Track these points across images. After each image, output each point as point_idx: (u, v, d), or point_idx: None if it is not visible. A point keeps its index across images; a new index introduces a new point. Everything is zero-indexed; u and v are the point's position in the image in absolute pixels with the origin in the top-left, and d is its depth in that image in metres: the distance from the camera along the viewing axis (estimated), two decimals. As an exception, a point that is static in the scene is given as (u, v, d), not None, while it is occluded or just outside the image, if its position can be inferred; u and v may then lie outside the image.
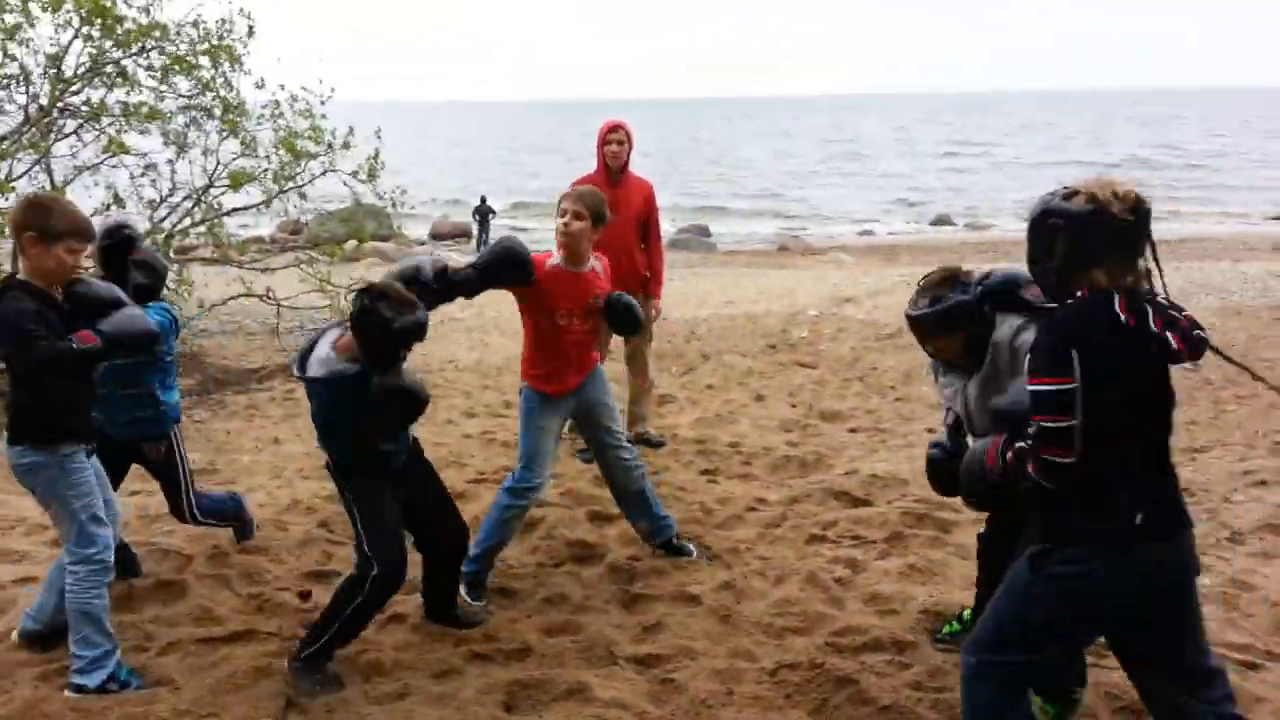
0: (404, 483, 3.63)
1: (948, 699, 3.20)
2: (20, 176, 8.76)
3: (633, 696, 3.32)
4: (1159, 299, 2.40)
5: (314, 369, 3.38)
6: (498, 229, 26.27)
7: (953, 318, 2.95)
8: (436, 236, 27.31)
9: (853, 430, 6.78)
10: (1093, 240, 2.37)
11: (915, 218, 31.90)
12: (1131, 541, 2.38)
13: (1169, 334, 2.32)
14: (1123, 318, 2.33)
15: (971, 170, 46.31)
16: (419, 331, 3.30)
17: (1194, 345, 2.35)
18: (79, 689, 3.32)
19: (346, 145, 9.94)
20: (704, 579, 4.34)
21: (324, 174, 10.11)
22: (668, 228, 16.62)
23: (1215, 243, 22.18)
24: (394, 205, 10.29)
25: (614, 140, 5.90)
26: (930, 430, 6.63)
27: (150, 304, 3.99)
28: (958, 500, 5.03)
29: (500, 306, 13.34)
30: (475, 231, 25.78)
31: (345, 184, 10.27)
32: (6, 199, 8.28)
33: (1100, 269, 2.38)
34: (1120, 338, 2.33)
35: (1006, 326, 2.92)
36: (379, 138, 10.03)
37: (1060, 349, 2.33)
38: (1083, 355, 2.31)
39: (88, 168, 9.29)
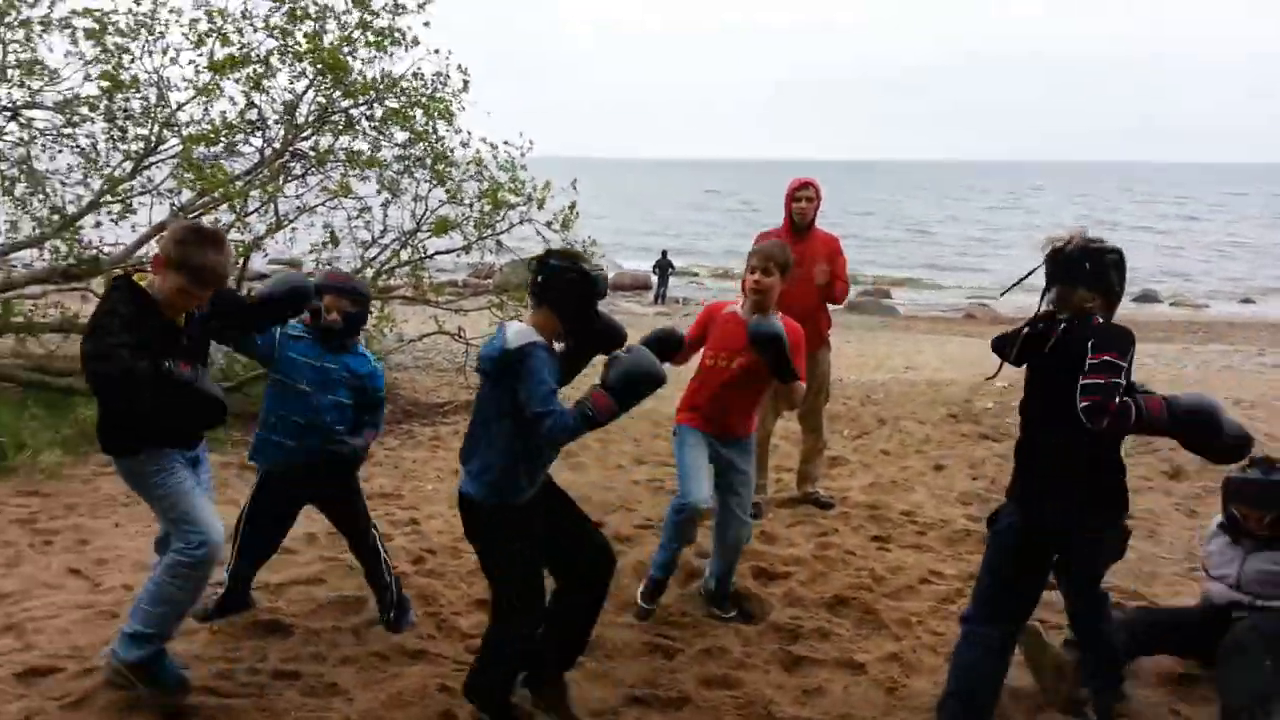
0: (539, 514, 3.42)
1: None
2: (251, 213, 9.57)
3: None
4: None
5: (515, 340, 3.20)
6: (676, 285, 26.69)
7: None
8: (617, 288, 27.95)
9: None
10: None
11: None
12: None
13: None
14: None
15: (1167, 247, 43.44)
16: (606, 280, 3.33)
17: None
18: (113, 653, 3.39)
19: (542, 204, 10.35)
20: (870, 648, 4.19)
21: (521, 223, 10.54)
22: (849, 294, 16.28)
23: None
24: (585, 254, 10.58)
25: (803, 197, 5.93)
26: (1130, 516, 6.19)
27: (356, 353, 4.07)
28: (1154, 589, 4.69)
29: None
30: (655, 284, 26.24)
31: (539, 233, 10.67)
32: (240, 232, 9.07)
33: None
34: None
35: None
36: (575, 189, 10.38)
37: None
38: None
39: (309, 209, 10.06)
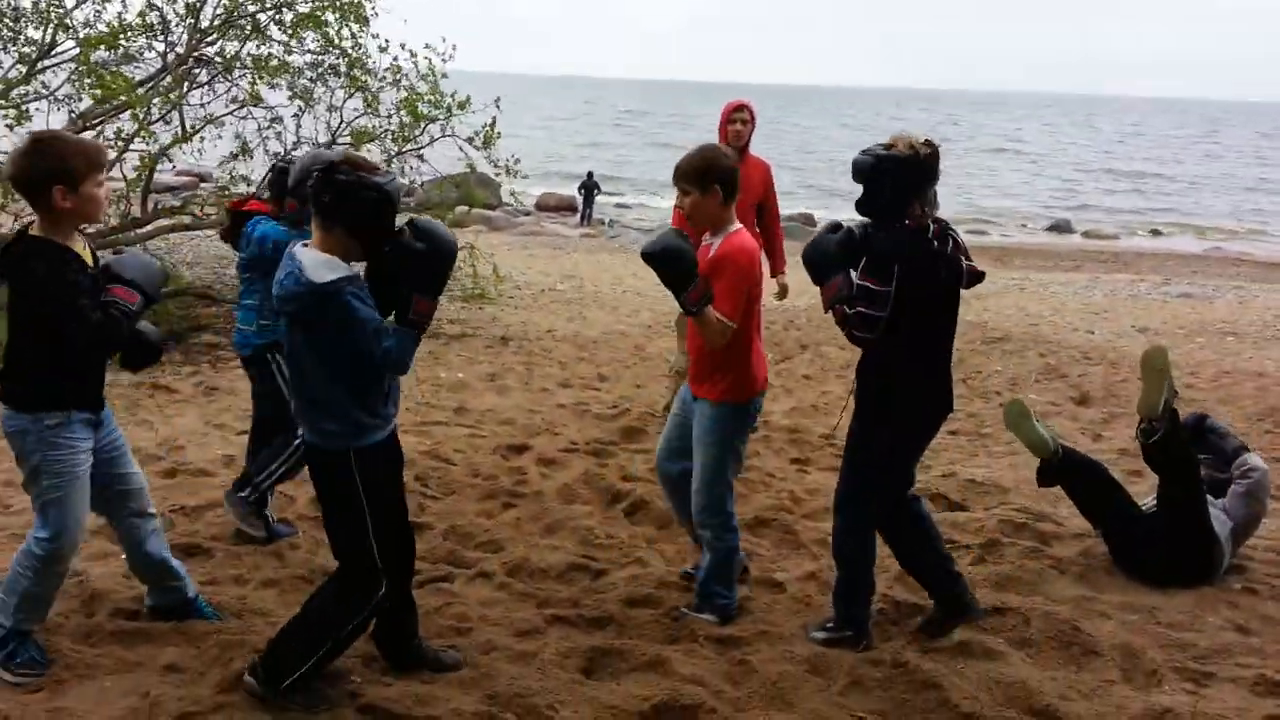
0: (398, 460, 3.12)
1: (1021, 700, 3.13)
2: (154, 122, 9.13)
3: (710, 674, 3.31)
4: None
5: (323, 274, 2.76)
6: (601, 205, 26.45)
7: None
8: (542, 208, 27.57)
9: (953, 433, 6.62)
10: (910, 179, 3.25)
11: (1027, 220, 30.84)
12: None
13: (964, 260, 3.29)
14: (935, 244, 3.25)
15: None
16: (401, 192, 3.02)
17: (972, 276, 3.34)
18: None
19: (462, 106, 10.05)
20: (790, 567, 4.31)
21: (442, 137, 10.26)
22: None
23: None
24: (508, 173, 10.38)
25: (738, 120, 5.84)
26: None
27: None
28: (1060, 512, 4.91)
29: (600, 280, 13.46)
30: (580, 206, 25.96)
31: (461, 149, 10.41)
32: (146, 141, 8.66)
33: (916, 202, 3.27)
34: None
35: None
36: (498, 107, 10.13)
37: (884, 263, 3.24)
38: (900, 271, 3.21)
39: (217, 118, 9.64)
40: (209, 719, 2.89)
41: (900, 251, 3.25)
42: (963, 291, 3.42)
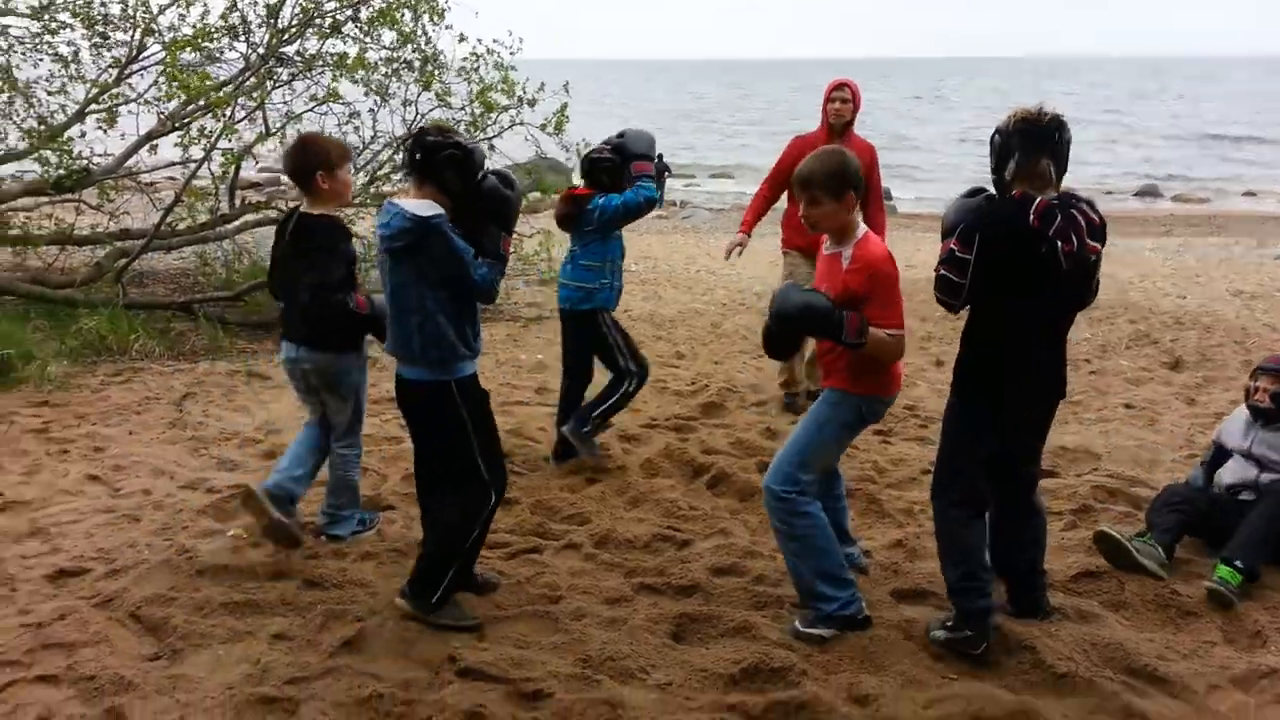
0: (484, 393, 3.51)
1: (1118, 660, 3.08)
2: (240, 121, 9.41)
3: (798, 639, 3.34)
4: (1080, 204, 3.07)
5: (425, 210, 3.18)
6: (674, 187, 26.38)
7: None
8: (614, 192, 27.54)
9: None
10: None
11: (1111, 188, 29.85)
12: None
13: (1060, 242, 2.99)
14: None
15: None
16: (484, 153, 3.33)
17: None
18: (334, 537, 4.10)
19: (533, 104, 10.15)
20: (875, 536, 4.30)
21: (512, 126, 10.36)
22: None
23: None
24: (579, 156, 10.44)
25: (838, 98, 5.75)
26: (1128, 406, 6.29)
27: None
28: (1155, 477, 4.80)
29: (673, 260, 13.45)
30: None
31: (528, 138, 10.51)
32: (229, 140, 8.93)
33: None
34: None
35: None
36: (567, 91, 10.19)
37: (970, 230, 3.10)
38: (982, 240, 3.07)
39: (298, 115, 9.89)
40: (316, 684, 3.02)
41: (985, 220, 3.11)
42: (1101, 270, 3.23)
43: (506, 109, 10.26)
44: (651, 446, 5.40)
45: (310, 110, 9.99)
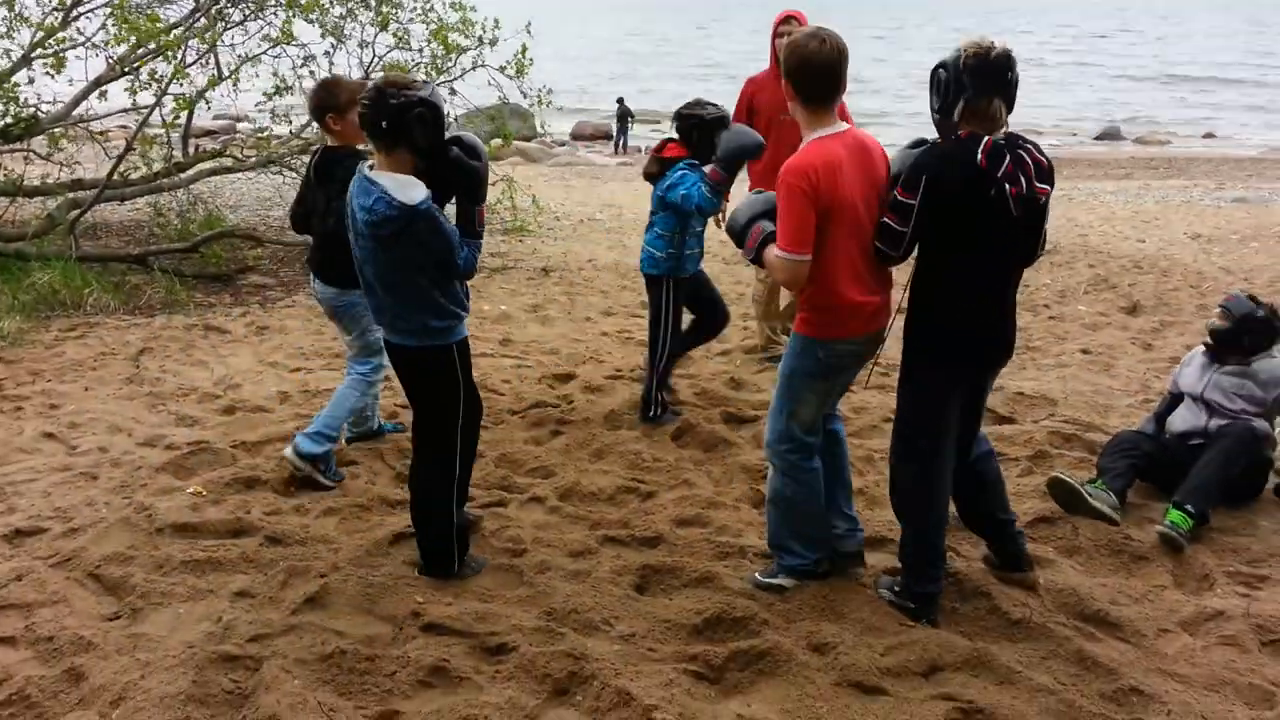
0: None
1: (1071, 605, 3.16)
2: (192, 64, 9.15)
3: (758, 589, 3.38)
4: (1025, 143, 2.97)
5: (412, 195, 3.07)
6: (638, 133, 26.13)
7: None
8: (578, 137, 27.31)
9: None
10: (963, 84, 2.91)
11: (1074, 130, 29.93)
12: None
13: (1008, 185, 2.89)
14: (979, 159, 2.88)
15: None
16: (441, 99, 3.19)
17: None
18: (300, 451, 4.16)
19: (494, 42, 9.94)
20: (837, 484, 4.35)
21: (474, 68, 10.15)
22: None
23: None
24: (540, 104, 10.29)
25: (785, 32, 5.50)
26: (1085, 351, 6.37)
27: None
28: (1110, 422, 4.89)
29: (639, 208, 13.36)
30: (615, 132, 25.67)
31: (491, 82, 10.31)
32: (181, 85, 8.69)
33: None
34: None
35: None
36: (529, 33, 9.99)
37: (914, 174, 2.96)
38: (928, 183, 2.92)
39: (252, 57, 9.63)
40: (278, 641, 3.02)
41: (930, 162, 2.97)
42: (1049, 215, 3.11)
43: (466, 50, 10.05)
44: (616, 397, 5.40)
45: (264, 53, 9.75)
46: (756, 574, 3.45)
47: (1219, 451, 3.95)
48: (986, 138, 2.92)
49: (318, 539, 3.71)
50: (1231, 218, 12.00)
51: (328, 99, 4.15)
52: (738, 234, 3.24)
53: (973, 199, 2.91)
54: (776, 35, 5.58)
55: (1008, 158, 2.91)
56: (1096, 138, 27.94)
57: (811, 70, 3.04)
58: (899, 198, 3.00)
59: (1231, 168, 20.16)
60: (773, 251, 3.08)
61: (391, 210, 3.05)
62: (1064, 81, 39.12)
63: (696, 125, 4.66)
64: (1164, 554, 3.64)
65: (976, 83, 2.92)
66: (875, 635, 3.11)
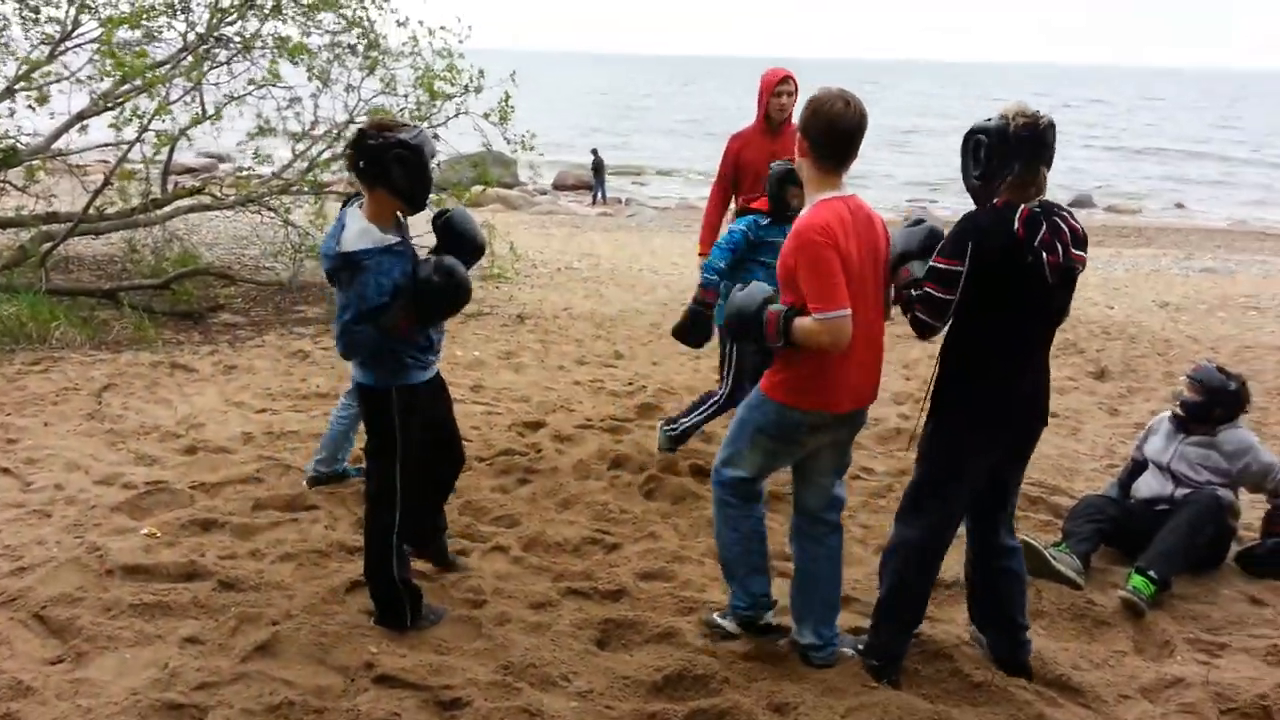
0: (440, 398, 3.49)
1: (1035, 669, 3.13)
2: (175, 101, 9.16)
3: (722, 645, 3.34)
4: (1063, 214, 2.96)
5: (354, 244, 3.07)
6: (618, 184, 26.36)
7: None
8: (559, 187, 27.49)
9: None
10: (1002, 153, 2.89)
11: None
12: None
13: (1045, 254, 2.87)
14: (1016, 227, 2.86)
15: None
16: (432, 142, 3.16)
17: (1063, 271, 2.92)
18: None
19: (479, 90, 10.03)
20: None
21: (458, 115, 10.23)
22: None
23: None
24: (524, 148, 10.36)
25: (784, 92, 5.48)
26: (1053, 415, 6.40)
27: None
28: (1075, 486, 4.90)
29: (617, 258, 13.44)
30: (594, 184, 25.91)
31: (477, 127, 10.39)
32: (164, 122, 8.69)
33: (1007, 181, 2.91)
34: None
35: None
36: (514, 81, 10.10)
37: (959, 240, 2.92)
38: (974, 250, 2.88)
39: (237, 97, 9.66)
40: (225, 690, 2.94)
41: (974, 228, 2.91)
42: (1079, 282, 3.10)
43: (451, 97, 10.14)
44: (585, 447, 5.37)
45: (249, 93, 9.79)
46: (714, 613, 3.48)
47: (1185, 520, 3.96)
48: (1023, 206, 2.89)
49: (272, 585, 3.63)
50: (1199, 287, 12.21)
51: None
52: (750, 327, 3.04)
53: (1010, 267, 2.88)
54: (772, 94, 5.57)
55: (1043, 225, 2.88)
56: (1069, 204, 28.45)
57: (836, 132, 2.95)
58: (942, 267, 2.92)
59: (1200, 238, 20.57)
60: (806, 322, 2.90)
61: (329, 251, 3.11)
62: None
63: (771, 179, 4.70)
64: (1125, 619, 3.63)
65: (1029, 151, 2.88)
66: (836, 696, 3.06)
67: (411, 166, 3.05)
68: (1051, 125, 2.91)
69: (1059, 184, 32.01)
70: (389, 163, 3.03)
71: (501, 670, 3.13)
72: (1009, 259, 2.87)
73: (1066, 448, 5.72)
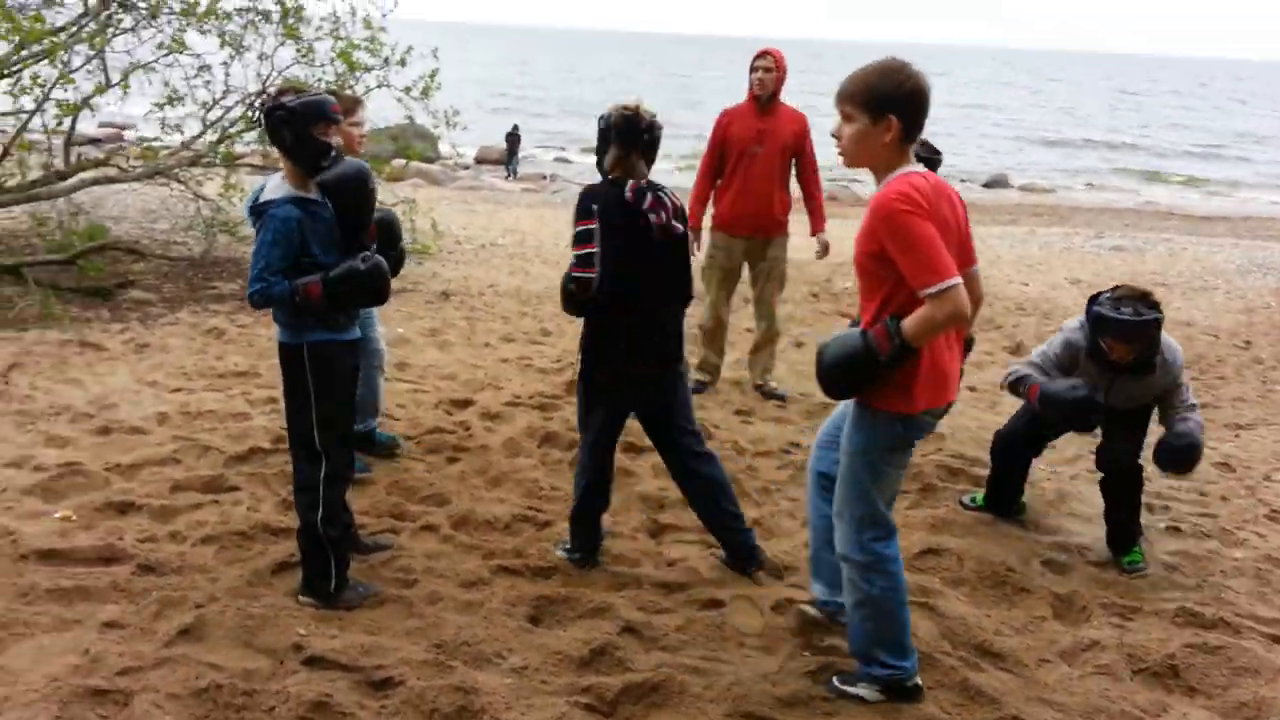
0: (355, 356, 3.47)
1: (958, 635, 3.23)
2: (77, 70, 8.77)
3: (657, 618, 3.36)
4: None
5: (268, 194, 3.21)
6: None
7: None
8: (483, 161, 27.16)
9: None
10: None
11: (965, 177, 31.15)
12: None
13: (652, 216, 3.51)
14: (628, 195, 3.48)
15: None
16: (325, 104, 3.16)
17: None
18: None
19: (403, 62, 9.83)
20: (733, 515, 4.37)
21: (379, 87, 10.01)
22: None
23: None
24: (447, 125, 10.19)
25: (760, 67, 5.58)
26: (971, 389, 6.59)
27: None
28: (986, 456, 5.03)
29: (542, 235, 13.33)
30: (505, 159, 25.70)
31: (399, 100, 10.18)
32: (66, 90, 8.32)
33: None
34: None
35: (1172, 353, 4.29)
36: (436, 57, 9.91)
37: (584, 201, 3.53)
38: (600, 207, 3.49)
39: (143, 65, 9.29)
40: (150, 674, 2.86)
41: (594, 194, 3.53)
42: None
43: (371, 69, 9.90)
44: (514, 425, 5.34)
45: (155, 61, 9.41)
46: (835, 680, 3.01)
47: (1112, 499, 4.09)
48: (631, 180, 3.53)
49: (194, 568, 3.54)
50: (1109, 264, 12.64)
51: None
52: (861, 363, 2.68)
53: (628, 224, 3.51)
54: (751, 70, 5.62)
55: (649, 196, 3.52)
56: (985, 185, 29.14)
57: (921, 100, 2.65)
58: (580, 227, 3.54)
59: (1110, 217, 21.28)
60: (918, 312, 2.58)
61: (249, 202, 3.29)
62: (955, 134, 40.75)
63: None
64: (1045, 586, 3.77)
65: (622, 139, 3.56)
66: (768, 655, 3.11)
67: (289, 126, 3.14)
68: (650, 120, 3.56)
69: (980, 163, 32.86)
70: (275, 125, 3.16)
71: (434, 649, 3.10)
72: (626, 217, 3.50)
73: (986, 420, 5.88)
